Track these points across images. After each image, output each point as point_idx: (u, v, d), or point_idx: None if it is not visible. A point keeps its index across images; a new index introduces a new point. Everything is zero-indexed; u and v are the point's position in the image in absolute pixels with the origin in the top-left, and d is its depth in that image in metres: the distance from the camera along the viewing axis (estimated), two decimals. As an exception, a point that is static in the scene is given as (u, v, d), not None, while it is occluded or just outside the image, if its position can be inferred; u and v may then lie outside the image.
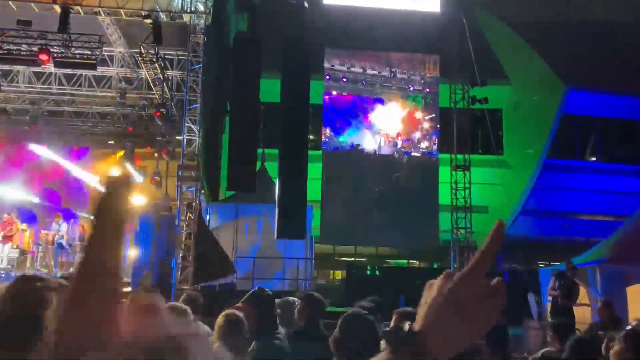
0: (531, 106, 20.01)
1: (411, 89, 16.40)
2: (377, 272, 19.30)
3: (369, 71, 16.16)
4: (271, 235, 13.59)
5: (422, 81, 16.35)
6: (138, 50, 13.79)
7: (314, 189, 14.06)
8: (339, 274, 20.75)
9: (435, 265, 18.57)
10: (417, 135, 15.88)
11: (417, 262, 20.43)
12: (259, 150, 15.20)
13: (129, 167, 16.34)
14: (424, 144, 15.88)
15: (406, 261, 20.62)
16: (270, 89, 13.84)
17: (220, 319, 3.53)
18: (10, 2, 12.55)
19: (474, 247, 15.48)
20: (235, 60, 12.86)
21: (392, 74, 16.10)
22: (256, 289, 4.04)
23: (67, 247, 15.30)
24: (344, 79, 16.16)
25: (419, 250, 17.13)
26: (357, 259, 20.75)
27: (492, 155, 19.54)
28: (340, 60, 15.99)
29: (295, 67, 12.71)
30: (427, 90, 16.19)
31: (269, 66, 13.81)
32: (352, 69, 16.09)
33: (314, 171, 14.04)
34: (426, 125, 16.09)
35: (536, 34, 19.33)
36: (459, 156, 14.93)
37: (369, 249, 18.92)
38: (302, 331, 4.32)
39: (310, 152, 13.16)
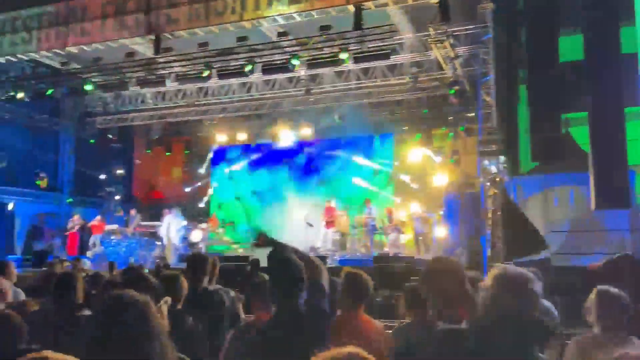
0: None
1: None
2: None
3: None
4: (586, 205, 12.37)
5: None
6: (426, 33, 13.95)
7: (636, 151, 12.30)
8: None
9: None
10: None
11: None
12: (562, 116, 14.00)
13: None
14: None
15: None
16: (570, 47, 12.57)
17: None
18: (312, 12, 13.97)
19: None
20: (527, 22, 12.03)
21: None
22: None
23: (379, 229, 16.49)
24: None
25: None
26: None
27: None
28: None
29: (600, 17, 11.25)
30: None
31: (567, 22, 12.54)
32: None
33: (634, 131, 12.26)
34: None
35: None
36: None
37: None
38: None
39: (628, 109, 11.51)
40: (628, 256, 3.43)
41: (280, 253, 3.39)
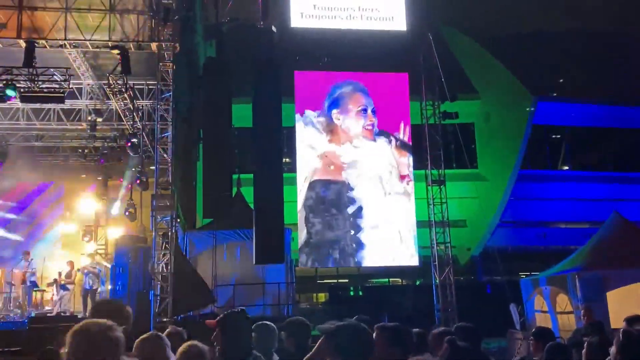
0: (502, 119, 20.28)
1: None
2: (360, 292, 19.19)
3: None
4: (250, 261, 13.40)
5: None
6: (107, 82, 13.66)
7: (291, 212, 13.96)
8: (322, 297, 20.53)
9: (417, 282, 18.53)
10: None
11: (400, 280, 20.36)
12: (234, 176, 15.05)
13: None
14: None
15: (387, 279, 20.53)
16: (242, 114, 13.79)
17: (181, 350, 3.38)
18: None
19: (454, 261, 15.49)
20: (205, 87, 12.78)
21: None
22: (231, 311, 3.88)
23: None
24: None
25: (400, 268, 17.07)
26: (339, 280, 20.59)
27: (467, 169, 19.70)
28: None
29: (266, 91, 12.69)
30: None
31: (240, 91, 13.78)
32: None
33: (290, 194, 13.95)
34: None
35: (502, 46, 19.71)
36: (434, 171, 14.99)
37: (351, 269, 18.81)
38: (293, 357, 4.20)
39: (285, 174, 13.07)
40: (234, 312, 3.85)
41: None
